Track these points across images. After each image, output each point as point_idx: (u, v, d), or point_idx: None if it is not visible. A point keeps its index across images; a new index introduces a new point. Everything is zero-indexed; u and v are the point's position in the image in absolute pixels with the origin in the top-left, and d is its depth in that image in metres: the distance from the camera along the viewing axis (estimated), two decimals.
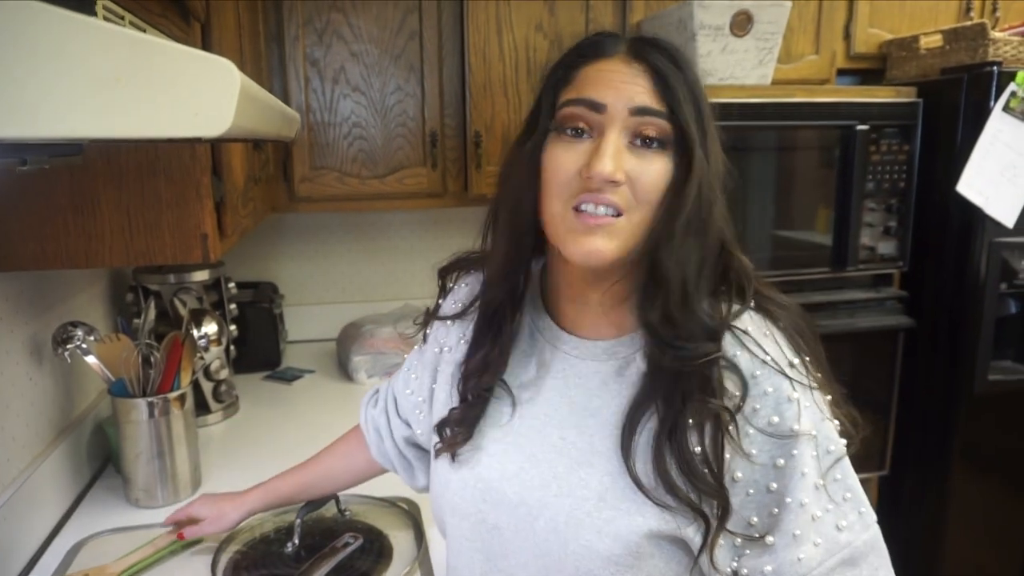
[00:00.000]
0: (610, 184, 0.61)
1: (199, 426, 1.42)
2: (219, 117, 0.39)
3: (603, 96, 0.62)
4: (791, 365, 0.64)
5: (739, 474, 0.63)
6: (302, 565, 1.00)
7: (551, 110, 0.66)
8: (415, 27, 1.79)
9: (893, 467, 2.00)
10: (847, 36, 2.05)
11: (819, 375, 0.66)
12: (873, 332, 1.90)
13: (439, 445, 0.76)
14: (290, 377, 1.84)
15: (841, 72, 2.10)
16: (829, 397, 0.67)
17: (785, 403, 0.62)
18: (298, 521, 1.04)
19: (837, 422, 0.66)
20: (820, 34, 1.99)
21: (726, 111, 1.70)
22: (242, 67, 0.40)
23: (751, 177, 1.82)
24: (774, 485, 0.62)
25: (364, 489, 1.17)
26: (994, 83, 1.72)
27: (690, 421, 0.62)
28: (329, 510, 1.11)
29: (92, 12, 0.54)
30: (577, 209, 0.62)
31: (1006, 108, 1.72)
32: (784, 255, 1.86)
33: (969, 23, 1.87)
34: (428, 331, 0.84)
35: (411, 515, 1.15)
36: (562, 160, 0.63)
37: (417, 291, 2.20)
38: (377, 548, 1.06)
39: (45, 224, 0.99)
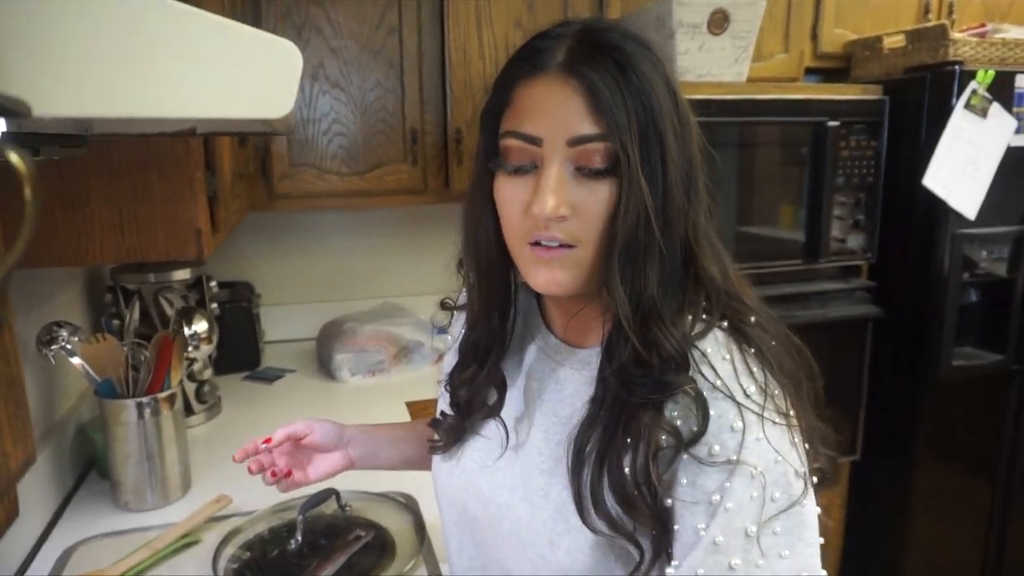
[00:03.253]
0: (555, 220, 0.59)
1: None
2: (282, 99, 0.39)
3: (537, 128, 0.59)
4: (745, 393, 0.58)
5: (668, 502, 0.58)
6: (307, 562, 0.99)
7: (495, 139, 0.63)
8: (394, 23, 1.79)
9: (864, 452, 2.07)
10: (814, 36, 2.12)
11: (790, 412, 0.60)
12: (843, 322, 1.96)
13: (434, 442, 0.79)
14: (271, 377, 1.81)
15: (809, 71, 2.16)
16: (798, 438, 0.59)
17: (727, 432, 0.57)
18: (300, 518, 1.03)
19: (799, 467, 0.58)
20: (789, 33, 2.05)
21: (704, 108, 1.72)
22: None
23: (724, 173, 1.86)
24: (702, 525, 0.56)
25: (362, 484, 1.16)
26: (956, 82, 1.79)
27: (628, 440, 0.59)
28: (329, 507, 1.10)
29: None
30: (534, 243, 0.61)
31: (967, 106, 1.80)
32: (758, 248, 1.91)
33: (930, 24, 1.95)
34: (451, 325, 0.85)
35: (410, 508, 1.15)
36: (510, 199, 0.62)
37: (395, 289, 2.19)
38: (380, 543, 1.06)
39: None
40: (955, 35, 1.86)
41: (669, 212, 0.59)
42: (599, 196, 0.59)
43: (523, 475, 0.68)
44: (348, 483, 1.12)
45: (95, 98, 0.35)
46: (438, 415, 0.81)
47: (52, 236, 0.97)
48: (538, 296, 0.76)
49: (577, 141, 0.58)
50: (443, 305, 0.83)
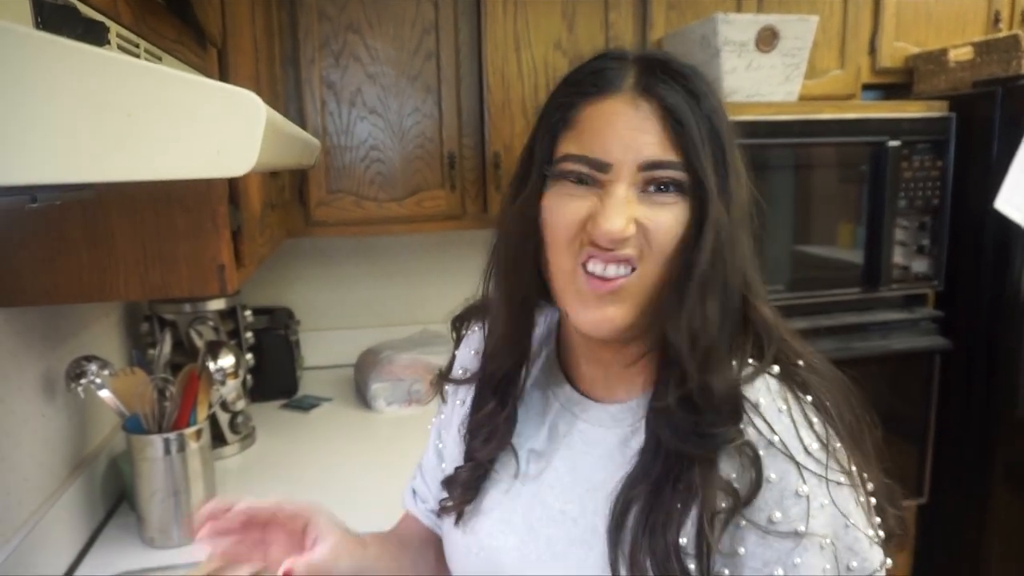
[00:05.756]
0: (620, 241, 0.54)
1: (215, 459, 1.37)
2: (243, 155, 0.35)
3: (608, 153, 0.54)
4: (806, 451, 0.54)
5: (726, 572, 0.53)
6: None
7: (549, 158, 0.58)
8: (432, 48, 1.77)
9: (932, 494, 1.92)
10: (872, 50, 2.01)
11: (853, 468, 0.55)
12: (908, 354, 1.83)
13: (445, 502, 0.72)
14: (307, 406, 1.80)
15: (866, 87, 2.05)
16: (864, 497, 0.56)
17: (791, 498, 0.52)
18: None
19: (870, 531, 0.54)
20: (845, 48, 1.95)
21: (752, 129, 1.67)
22: (258, 91, 0.37)
23: (776, 196, 1.77)
24: None
25: None
26: None
27: (678, 505, 0.54)
28: None
29: (104, 41, 0.51)
30: (586, 268, 0.56)
31: None
32: (813, 275, 1.80)
33: (1001, 35, 1.82)
34: (446, 389, 0.78)
35: None
36: (565, 211, 0.56)
37: (435, 314, 2.15)
38: None
39: (57, 258, 0.96)
40: None
41: (736, 245, 0.55)
42: (667, 215, 0.54)
43: (554, 549, 0.62)
44: None
45: (29, 165, 0.31)
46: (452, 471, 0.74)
47: (78, 273, 0.97)
48: (558, 347, 0.71)
49: (650, 166, 0.54)
50: (440, 376, 0.77)
